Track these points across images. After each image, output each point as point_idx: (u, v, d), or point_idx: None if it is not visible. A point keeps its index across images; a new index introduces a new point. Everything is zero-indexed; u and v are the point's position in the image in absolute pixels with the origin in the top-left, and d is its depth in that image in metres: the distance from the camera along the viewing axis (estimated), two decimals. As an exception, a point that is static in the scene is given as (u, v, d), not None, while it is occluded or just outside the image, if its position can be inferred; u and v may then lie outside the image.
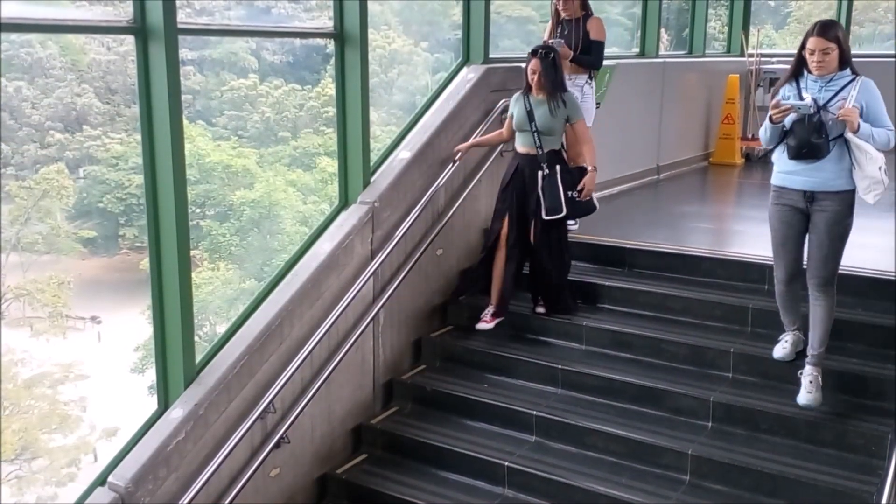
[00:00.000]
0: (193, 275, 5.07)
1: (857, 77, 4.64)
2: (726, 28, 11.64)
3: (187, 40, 8.62)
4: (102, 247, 10.78)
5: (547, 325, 6.07)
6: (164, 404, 4.81)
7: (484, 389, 5.74)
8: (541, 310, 6.10)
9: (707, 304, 5.81)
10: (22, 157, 10.19)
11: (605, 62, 7.01)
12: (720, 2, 12.04)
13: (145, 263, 4.89)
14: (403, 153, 6.23)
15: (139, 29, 4.47)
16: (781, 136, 4.76)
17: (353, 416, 5.83)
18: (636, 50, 9.47)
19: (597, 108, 7.06)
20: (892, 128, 4.62)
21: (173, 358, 4.79)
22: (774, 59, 11.02)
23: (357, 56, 5.76)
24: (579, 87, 6.68)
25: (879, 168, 4.59)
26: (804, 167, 4.69)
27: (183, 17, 4.68)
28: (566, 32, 6.61)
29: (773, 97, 4.78)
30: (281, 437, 5.10)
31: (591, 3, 6.85)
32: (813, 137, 4.59)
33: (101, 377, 10.18)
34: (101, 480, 4.58)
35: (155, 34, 4.45)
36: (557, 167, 5.84)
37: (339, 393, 5.70)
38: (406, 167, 6.12)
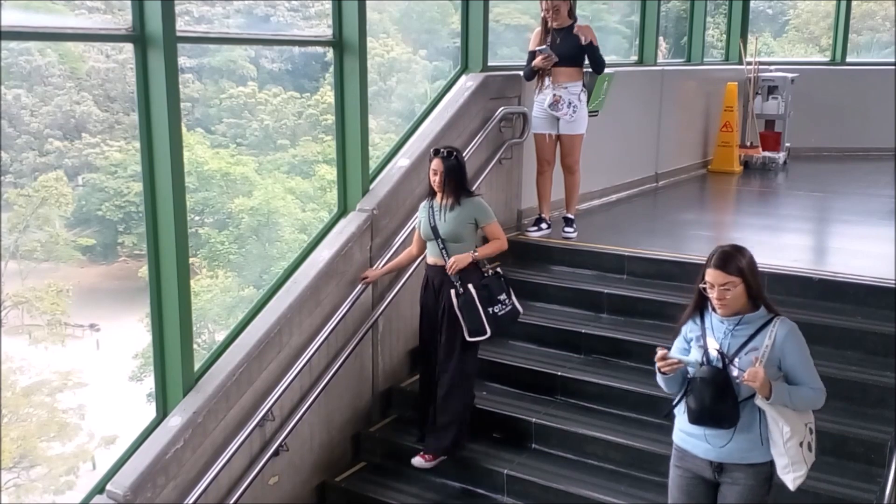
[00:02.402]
0: (192, 282, 5.08)
1: (775, 319, 3.62)
2: (724, 36, 11.67)
3: (186, 48, 8.64)
4: (101, 254, 10.79)
5: (546, 335, 6.07)
6: (163, 412, 4.80)
7: (483, 397, 5.73)
8: (418, 461, 5.32)
9: (706, 312, 5.80)
10: (21, 165, 10.20)
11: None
12: (718, 10, 12.07)
13: (144, 271, 4.89)
14: (402, 161, 6.24)
15: (138, 37, 4.47)
16: (683, 383, 3.73)
17: (351, 423, 5.82)
18: (634, 58, 9.49)
19: (595, 115, 7.07)
20: (820, 385, 3.66)
21: (172, 366, 4.78)
22: (773, 67, 11.05)
23: (356, 64, 5.77)
24: (575, 94, 6.70)
25: (801, 444, 3.59)
26: (709, 433, 3.66)
27: (182, 25, 4.69)
28: (557, 41, 6.63)
29: (676, 332, 3.87)
30: (280, 445, 5.10)
31: (591, 10, 6.86)
32: (715, 402, 3.58)
33: (100, 385, 10.18)
34: (100, 488, 4.58)
35: (154, 42, 4.46)
36: (470, 285, 5.16)
37: (338, 401, 5.69)
38: (405, 175, 6.13)
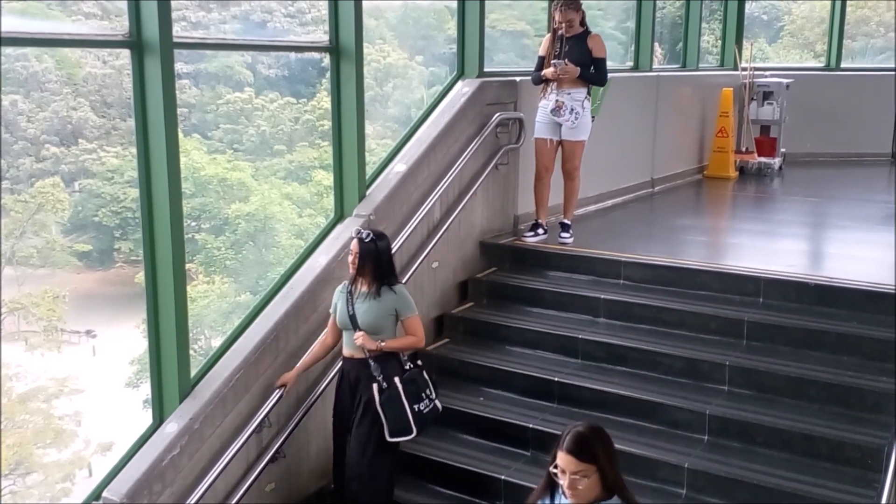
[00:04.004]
0: (188, 288, 5.07)
1: None
2: (720, 42, 11.71)
3: (183, 54, 8.63)
4: (98, 260, 10.76)
5: (543, 341, 6.07)
6: (159, 418, 4.80)
7: (480, 403, 5.73)
8: None
9: (702, 317, 5.81)
10: (17, 171, 10.18)
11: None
12: (714, 15, 12.10)
13: (140, 277, 4.89)
14: (399, 166, 6.25)
15: (135, 43, 4.48)
16: None
17: (348, 429, 5.81)
18: (630, 64, 9.51)
19: (591, 121, 7.09)
20: None
21: (168, 372, 4.78)
22: (768, 73, 11.09)
23: (352, 70, 5.78)
24: (579, 101, 6.71)
25: None
26: None
27: (179, 31, 4.70)
28: (566, 49, 6.63)
29: None
30: (276, 452, 5.09)
31: (587, 16, 6.88)
32: None
33: (96, 391, 10.14)
34: (96, 495, 4.57)
35: (151, 48, 4.47)
36: (396, 379, 4.80)
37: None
38: (401, 180, 6.13)
